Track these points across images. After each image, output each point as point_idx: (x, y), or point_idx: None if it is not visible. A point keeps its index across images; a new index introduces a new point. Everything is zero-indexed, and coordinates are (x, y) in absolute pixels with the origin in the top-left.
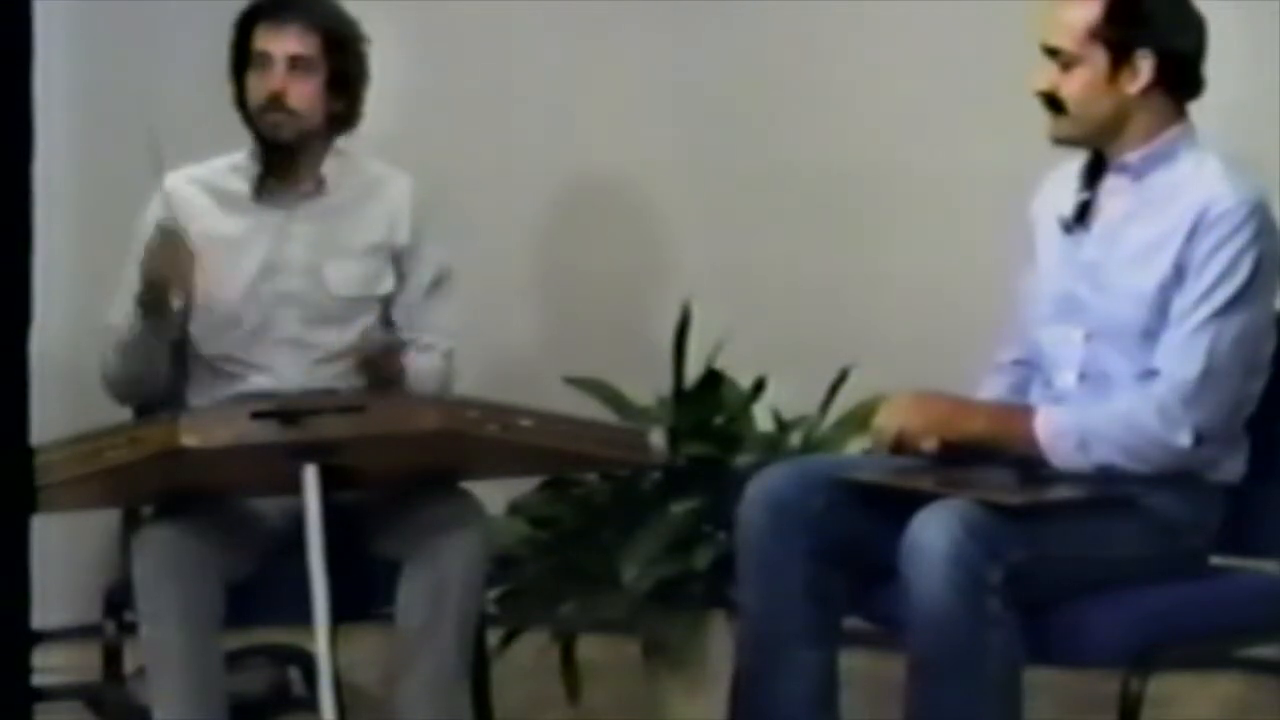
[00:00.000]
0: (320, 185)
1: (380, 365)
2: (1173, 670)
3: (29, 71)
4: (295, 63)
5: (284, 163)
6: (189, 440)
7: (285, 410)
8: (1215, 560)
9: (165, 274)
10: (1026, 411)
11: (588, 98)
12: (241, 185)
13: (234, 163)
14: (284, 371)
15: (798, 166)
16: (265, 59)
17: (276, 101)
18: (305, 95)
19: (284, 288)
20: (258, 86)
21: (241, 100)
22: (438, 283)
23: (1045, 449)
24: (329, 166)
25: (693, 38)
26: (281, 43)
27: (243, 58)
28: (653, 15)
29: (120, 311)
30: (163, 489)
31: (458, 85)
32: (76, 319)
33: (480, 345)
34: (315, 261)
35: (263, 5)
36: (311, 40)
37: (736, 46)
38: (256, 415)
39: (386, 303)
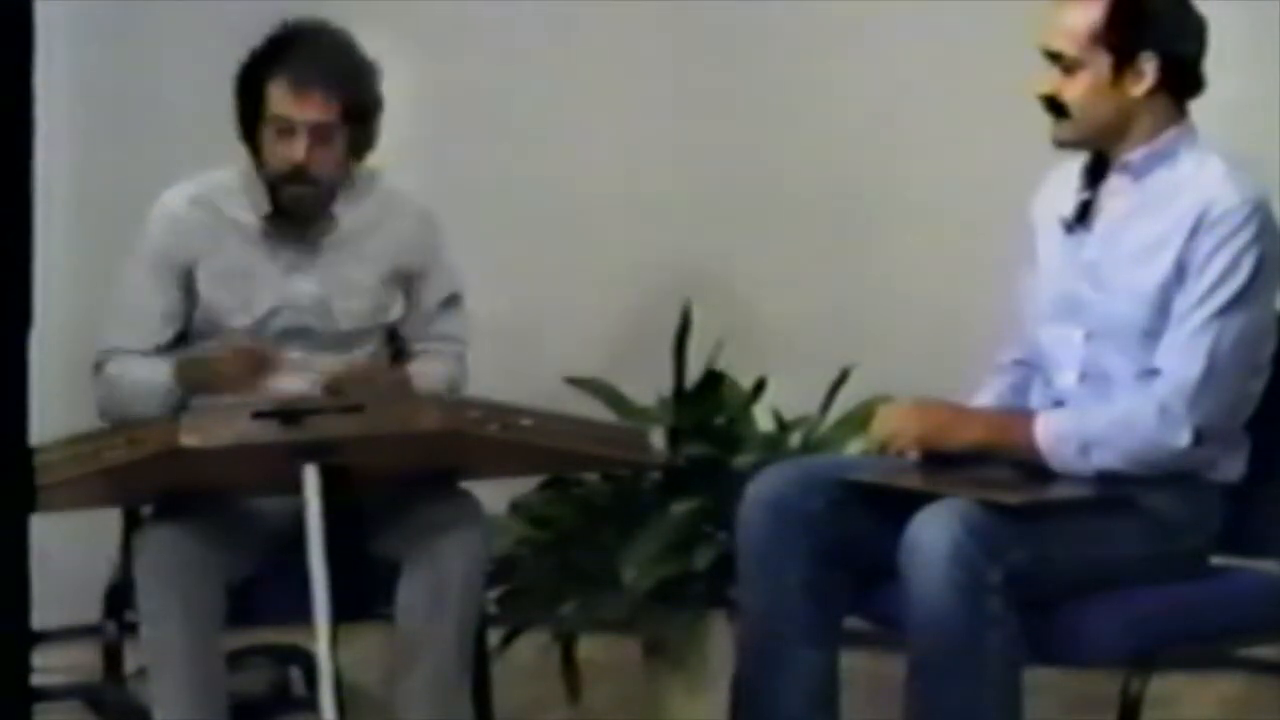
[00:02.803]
0: (332, 223)
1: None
2: (1173, 670)
3: (29, 72)
4: (318, 131)
5: (295, 207)
6: (189, 440)
7: (286, 410)
8: (1215, 560)
9: (234, 385)
10: (1025, 417)
11: (589, 101)
12: (247, 215)
13: (242, 182)
14: (285, 390)
15: (799, 168)
16: (285, 125)
17: (300, 174)
18: (328, 164)
19: (292, 323)
20: (278, 154)
21: (248, 133)
22: (448, 302)
23: (1046, 454)
24: (340, 198)
25: (695, 41)
26: (304, 110)
27: (255, 107)
28: (654, 20)
29: (125, 338)
30: (163, 489)
31: (459, 88)
32: (76, 319)
33: (480, 345)
34: (324, 297)
35: (283, 58)
36: (334, 107)
37: (739, 50)
38: (257, 415)
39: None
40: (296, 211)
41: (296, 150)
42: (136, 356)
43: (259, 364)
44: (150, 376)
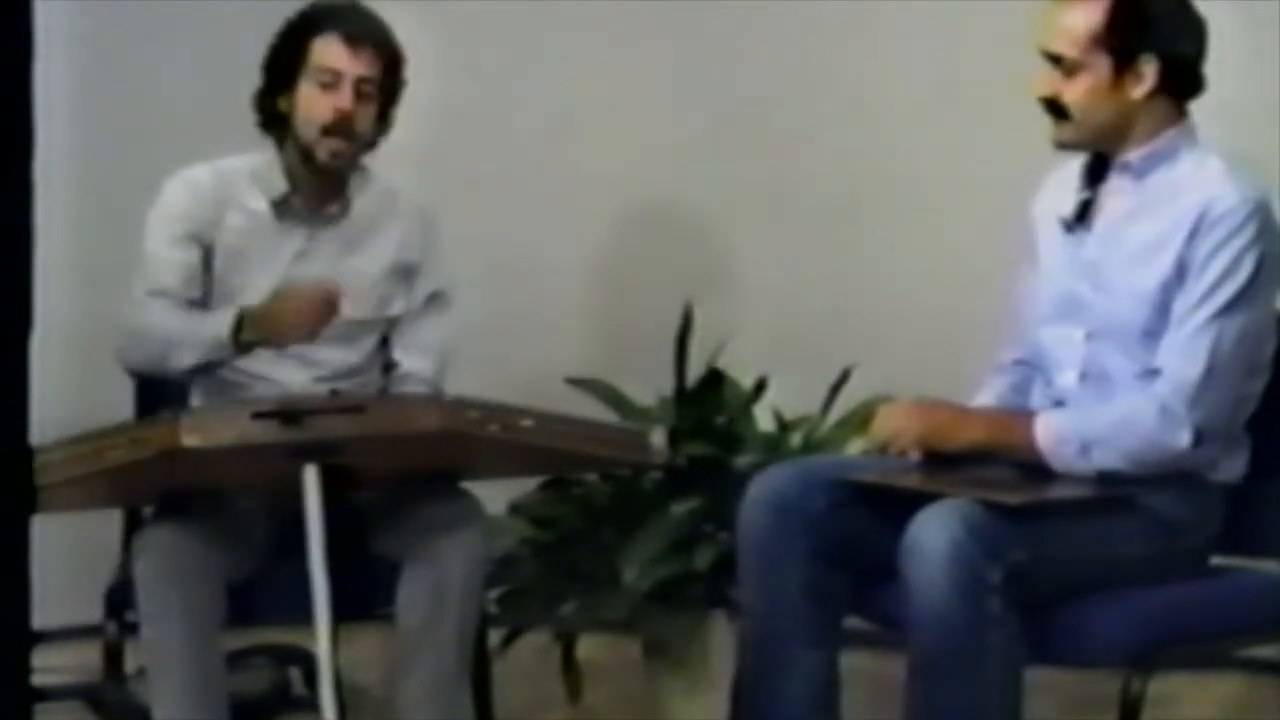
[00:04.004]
0: (345, 208)
1: None
2: (1173, 670)
3: (29, 71)
4: (362, 85)
5: (314, 183)
6: (190, 440)
7: (286, 410)
8: (1215, 560)
9: (293, 331)
10: (1026, 418)
11: (588, 101)
12: (258, 201)
13: (252, 169)
14: (287, 385)
15: (800, 167)
16: (333, 76)
17: (345, 124)
18: (369, 119)
19: None
20: (321, 105)
21: (266, 104)
22: (432, 299)
23: (1046, 455)
24: (351, 185)
25: (696, 40)
26: (355, 63)
27: (293, 66)
28: (656, 19)
29: (157, 287)
30: (164, 489)
31: (458, 88)
32: (76, 319)
33: (481, 345)
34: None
35: (333, 18)
36: (378, 64)
37: (739, 49)
38: (258, 415)
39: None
40: (328, 169)
41: (343, 99)
42: (171, 305)
43: (325, 308)
44: (194, 327)
